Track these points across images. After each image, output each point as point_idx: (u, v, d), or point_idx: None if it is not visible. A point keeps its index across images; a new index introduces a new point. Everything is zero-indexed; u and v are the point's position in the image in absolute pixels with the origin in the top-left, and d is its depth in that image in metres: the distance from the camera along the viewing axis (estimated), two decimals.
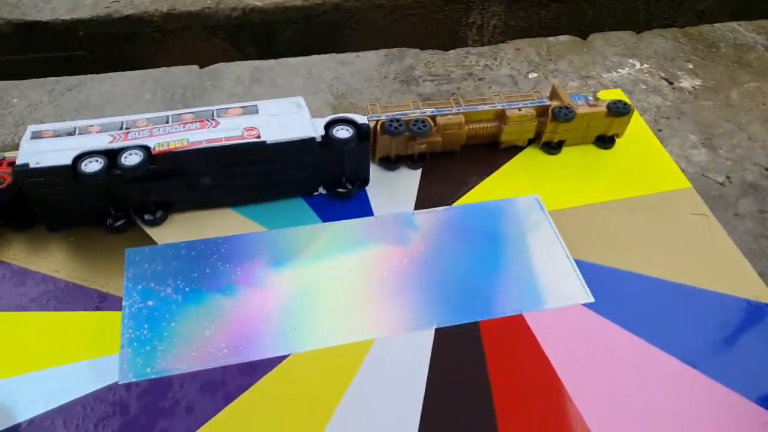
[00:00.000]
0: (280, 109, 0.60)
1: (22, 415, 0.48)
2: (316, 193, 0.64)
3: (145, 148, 0.55)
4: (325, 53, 0.81)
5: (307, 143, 0.58)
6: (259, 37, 1.00)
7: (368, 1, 0.98)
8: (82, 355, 0.52)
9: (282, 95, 0.74)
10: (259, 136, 0.57)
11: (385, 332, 0.54)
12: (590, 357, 0.52)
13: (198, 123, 0.58)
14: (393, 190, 0.65)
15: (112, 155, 0.55)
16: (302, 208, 0.63)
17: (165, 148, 0.55)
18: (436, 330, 0.54)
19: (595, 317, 0.54)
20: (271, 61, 0.78)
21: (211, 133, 0.57)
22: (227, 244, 0.59)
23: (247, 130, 0.58)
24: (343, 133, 0.59)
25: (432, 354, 0.52)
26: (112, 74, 0.74)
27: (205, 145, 0.56)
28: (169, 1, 0.91)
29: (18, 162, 0.53)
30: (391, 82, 0.77)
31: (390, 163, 0.66)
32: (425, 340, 0.53)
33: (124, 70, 0.80)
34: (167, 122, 0.58)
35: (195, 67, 0.77)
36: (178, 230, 0.60)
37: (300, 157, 0.59)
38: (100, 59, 0.98)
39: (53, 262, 0.57)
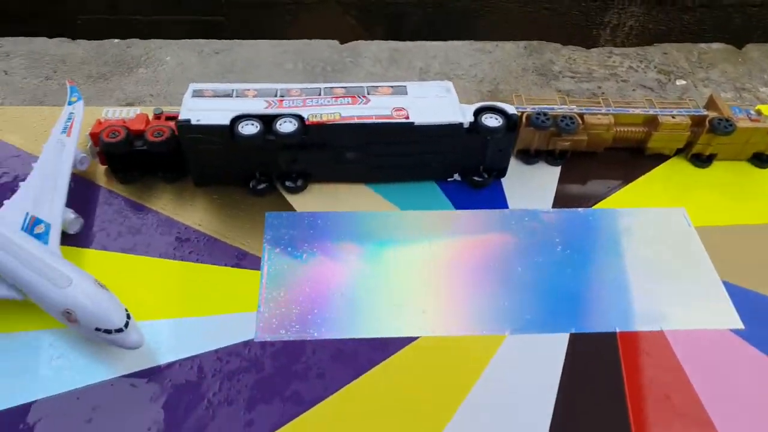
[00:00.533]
0: (429, 92, 0.60)
1: (163, 358, 0.50)
2: (450, 179, 0.63)
3: (299, 118, 0.56)
4: (455, 40, 0.80)
5: (455, 128, 0.58)
6: (389, 18, 1.01)
7: None
8: (220, 308, 0.54)
9: (419, 78, 0.74)
10: (407, 117, 0.57)
11: (518, 329, 0.53)
12: (738, 388, 0.49)
13: (350, 98, 0.59)
14: (530, 184, 0.64)
15: (267, 120, 0.56)
16: (435, 192, 0.63)
17: (318, 119, 0.56)
18: (571, 334, 0.52)
19: (744, 345, 0.51)
20: (409, 43, 0.78)
21: (361, 109, 0.58)
22: (362, 219, 0.60)
23: (396, 110, 0.58)
24: (491, 121, 0.58)
25: (566, 359, 0.51)
26: (256, 41, 0.76)
27: (356, 120, 0.57)
28: None
29: (181, 117, 0.56)
30: (530, 75, 0.76)
31: (529, 156, 0.65)
32: (559, 344, 0.52)
33: (255, 38, 0.82)
34: (320, 94, 0.59)
35: (335, 42, 0.78)
36: (316, 200, 0.62)
37: (444, 141, 0.59)
38: (235, 26, 1.01)
39: (197, 215, 0.60)
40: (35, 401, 0.47)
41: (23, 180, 0.60)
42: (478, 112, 0.59)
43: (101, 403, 0.47)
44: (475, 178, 0.62)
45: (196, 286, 0.55)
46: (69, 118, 0.62)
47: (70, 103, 0.63)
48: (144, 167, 0.61)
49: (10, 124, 0.66)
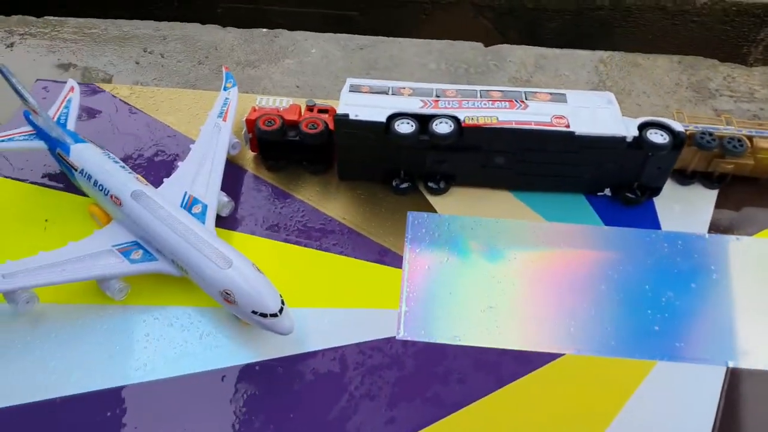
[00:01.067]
0: (589, 101, 0.58)
1: (307, 346, 0.51)
2: (600, 194, 0.61)
3: (456, 119, 0.56)
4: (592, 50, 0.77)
5: (617, 141, 0.55)
6: (524, 23, 0.98)
7: (653, 2, 0.92)
8: (362, 303, 0.54)
9: (565, 86, 0.72)
10: (567, 126, 0.55)
11: (668, 357, 0.50)
12: None
13: (507, 102, 0.57)
14: (685, 206, 0.60)
15: (423, 120, 0.56)
16: (583, 206, 0.61)
17: (474, 122, 0.55)
18: (730, 369, 0.49)
19: None
20: (557, 51, 0.75)
21: (520, 114, 0.56)
22: (506, 228, 0.59)
23: (556, 118, 0.56)
24: (657, 137, 0.55)
25: (722, 396, 0.48)
26: (400, 39, 0.76)
27: (513, 126, 0.55)
28: None
29: (339, 111, 0.56)
30: (684, 91, 0.72)
31: (684, 176, 0.61)
32: (714, 378, 0.49)
33: (388, 36, 0.82)
34: (477, 97, 0.58)
35: (479, 45, 0.77)
36: (458, 203, 0.61)
37: (603, 154, 0.56)
38: (368, 22, 1.02)
39: (340, 208, 0.60)
40: (183, 375, 0.49)
41: (178, 158, 0.63)
42: (642, 127, 0.56)
43: (244, 384, 0.49)
44: (629, 195, 0.59)
45: (339, 278, 0.55)
46: (225, 103, 0.64)
47: (225, 89, 0.66)
48: (292, 157, 0.62)
49: (166, 105, 0.69)
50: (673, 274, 0.55)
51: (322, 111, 0.61)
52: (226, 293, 0.48)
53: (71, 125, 0.60)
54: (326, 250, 0.57)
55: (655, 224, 0.59)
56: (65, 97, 0.63)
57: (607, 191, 0.61)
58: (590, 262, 0.56)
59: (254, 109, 0.62)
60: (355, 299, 0.54)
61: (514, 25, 0.99)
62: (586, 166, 0.57)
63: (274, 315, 0.47)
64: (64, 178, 0.60)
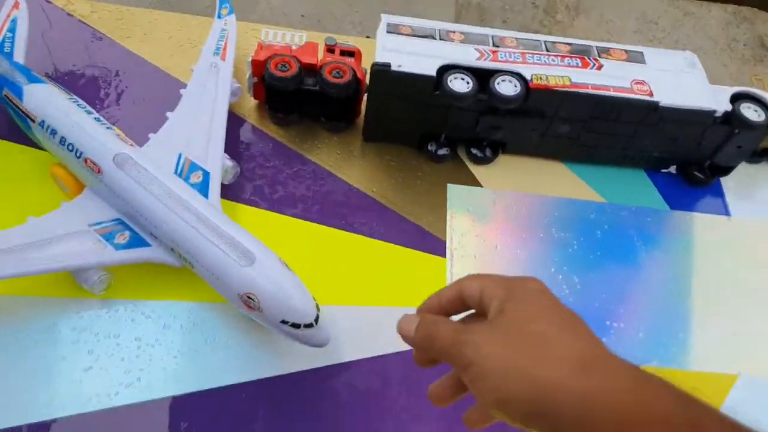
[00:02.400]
0: (671, 63, 0.49)
1: (344, 355, 0.42)
2: (665, 171, 0.53)
3: (521, 78, 0.45)
4: None
5: (705, 116, 0.47)
6: None
7: None
8: (401, 299, 0.44)
9: (611, 34, 0.62)
10: (651, 94, 0.46)
11: (752, 370, 0.44)
12: None
13: (578, 59, 0.47)
14: (754, 188, 0.54)
15: (481, 76, 0.45)
16: (645, 183, 0.53)
17: (544, 82, 0.45)
18: None
19: None
20: None
21: (595, 76, 0.46)
22: (562, 207, 0.50)
23: (637, 83, 0.47)
24: (751, 113, 0.47)
25: None
26: None
27: (590, 90, 0.46)
28: None
29: (378, 59, 0.45)
30: (742, 48, 0.64)
31: (754, 154, 0.54)
32: None
33: None
34: (542, 49, 0.48)
35: None
36: (505, 175, 0.51)
37: (686, 128, 0.48)
38: None
39: (367, 178, 0.50)
40: (188, 393, 0.39)
41: (163, 105, 0.49)
42: (733, 99, 0.47)
43: (264, 402, 0.39)
44: (697, 174, 0.52)
45: (373, 267, 0.46)
46: (221, 36, 0.51)
47: (220, 17, 0.52)
48: (308, 110, 0.50)
49: (139, 32, 0.55)
50: (748, 270, 0.49)
51: (345, 53, 0.49)
52: (248, 297, 0.37)
53: (19, 56, 0.46)
54: (353, 230, 0.47)
55: (724, 209, 0.52)
56: (8, 16, 0.48)
57: (672, 168, 0.53)
58: (665, 252, 0.49)
59: (261, 47, 0.49)
60: (393, 295, 0.45)
61: None
62: (660, 140, 0.49)
63: (310, 326, 0.38)
64: (12, 125, 0.46)
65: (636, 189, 0.52)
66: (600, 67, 0.47)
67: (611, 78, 0.46)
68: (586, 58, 0.48)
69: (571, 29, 0.62)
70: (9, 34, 0.47)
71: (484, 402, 0.24)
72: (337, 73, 0.47)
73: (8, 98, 0.43)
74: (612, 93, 0.46)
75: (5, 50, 0.46)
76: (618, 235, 0.50)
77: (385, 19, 0.48)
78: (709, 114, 0.47)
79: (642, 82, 0.47)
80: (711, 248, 0.50)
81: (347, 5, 0.59)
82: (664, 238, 0.50)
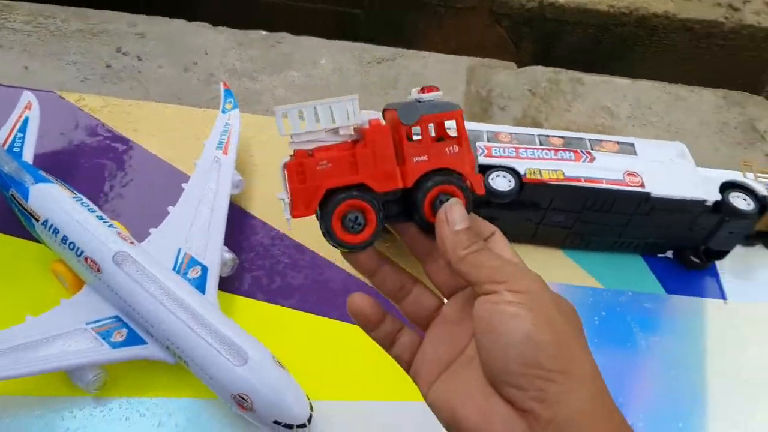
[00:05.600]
0: (662, 153, 0.50)
1: None
2: (661, 255, 0.53)
3: (515, 173, 0.46)
4: (608, 71, 0.69)
5: (696, 205, 0.47)
6: (542, 35, 0.90)
7: (679, 22, 0.85)
8: (406, 393, 0.44)
9: (608, 120, 0.64)
10: (642, 186, 0.47)
11: None
12: None
13: (571, 153, 0.49)
14: (750, 272, 0.54)
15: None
16: (641, 268, 0.53)
17: (537, 177, 0.46)
18: None
19: None
20: (596, 77, 0.67)
21: (588, 169, 0.47)
22: (559, 293, 0.50)
23: (629, 175, 0.47)
24: (740, 202, 0.47)
25: None
26: (424, 53, 0.66)
27: (583, 183, 0.46)
28: None
29: None
30: (733, 132, 0.65)
31: (749, 238, 0.54)
32: None
33: (396, 37, 0.73)
34: (535, 143, 0.49)
35: (512, 64, 0.68)
36: None
37: (677, 217, 0.49)
38: (372, 22, 0.91)
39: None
40: None
41: (166, 199, 0.50)
42: (722, 189, 0.48)
43: None
44: (693, 259, 0.52)
45: (369, 359, 0.45)
46: (225, 131, 0.53)
47: (224, 111, 0.54)
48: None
49: (148, 125, 0.57)
50: (751, 356, 0.48)
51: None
52: (241, 398, 0.37)
53: (29, 155, 0.48)
54: (350, 320, 0.47)
55: (720, 292, 0.52)
56: (20, 116, 0.50)
57: (669, 253, 0.53)
58: (669, 337, 0.48)
59: (299, 155, 0.27)
60: (390, 389, 0.44)
61: (531, 35, 0.91)
62: (653, 227, 0.50)
63: (302, 426, 0.38)
64: (16, 222, 0.48)
65: (632, 274, 0.52)
66: (592, 160, 0.48)
67: (604, 171, 0.47)
68: (578, 151, 0.49)
69: (568, 114, 0.64)
70: (20, 134, 0.49)
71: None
72: (444, 197, 0.29)
73: (14, 198, 0.45)
74: (605, 185, 0.46)
75: (15, 150, 0.48)
76: (616, 321, 0.50)
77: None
78: (699, 203, 0.47)
79: (634, 174, 0.48)
80: (708, 334, 0.49)
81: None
82: (662, 323, 0.50)
